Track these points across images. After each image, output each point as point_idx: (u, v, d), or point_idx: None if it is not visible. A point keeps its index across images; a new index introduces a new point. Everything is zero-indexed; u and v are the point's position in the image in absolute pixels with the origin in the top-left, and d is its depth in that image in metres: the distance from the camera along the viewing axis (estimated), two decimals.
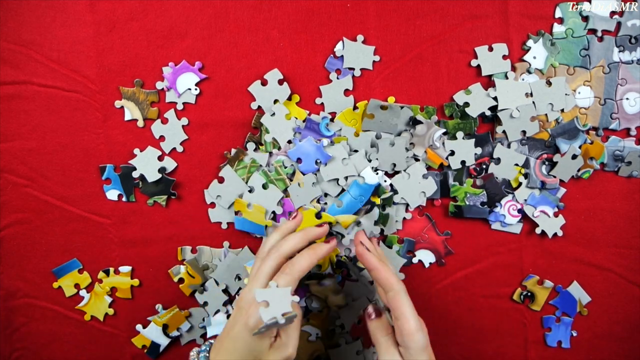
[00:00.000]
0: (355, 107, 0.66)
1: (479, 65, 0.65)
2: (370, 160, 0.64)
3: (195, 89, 0.66)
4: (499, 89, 0.64)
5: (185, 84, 0.66)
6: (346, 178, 0.65)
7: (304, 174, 0.65)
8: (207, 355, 0.53)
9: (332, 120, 0.66)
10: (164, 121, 0.66)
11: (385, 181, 0.65)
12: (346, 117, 0.66)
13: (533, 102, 0.65)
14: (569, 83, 0.65)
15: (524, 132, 0.65)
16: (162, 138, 0.66)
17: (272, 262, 0.54)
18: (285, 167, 0.65)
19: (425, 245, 0.67)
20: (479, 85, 0.65)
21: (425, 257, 0.67)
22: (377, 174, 0.64)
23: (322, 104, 0.66)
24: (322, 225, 0.59)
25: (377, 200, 0.64)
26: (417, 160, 0.65)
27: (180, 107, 0.66)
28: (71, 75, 0.66)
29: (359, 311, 0.67)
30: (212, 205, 0.67)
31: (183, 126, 0.66)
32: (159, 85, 0.66)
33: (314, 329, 0.66)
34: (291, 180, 0.65)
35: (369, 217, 0.65)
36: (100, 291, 0.68)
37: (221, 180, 0.66)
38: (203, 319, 0.67)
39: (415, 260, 0.67)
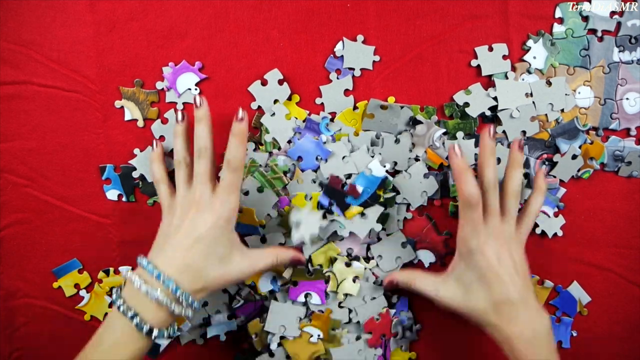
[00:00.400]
0: (355, 107, 0.66)
1: (479, 65, 0.65)
2: (373, 156, 0.64)
3: (195, 89, 0.66)
4: (499, 89, 0.64)
5: (185, 84, 0.66)
6: (348, 176, 0.65)
7: (303, 172, 0.65)
8: (153, 264, 0.53)
9: (332, 120, 0.66)
10: (164, 121, 0.66)
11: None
12: (346, 117, 0.66)
13: (533, 102, 0.65)
14: (569, 83, 0.65)
15: (524, 132, 0.65)
16: (162, 138, 0.66)
17: (205, 161, 0.56)
18: (280, 166, 0.65)
19: (425, 245, 0.67)
20: (479, 85, 0.65)
21: (425, 257, 0.67)
22: (384, 167, 0.64)
23: (322, 103, 0.66)
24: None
25: (382, 194, 0.64)
26: (417, 160, 0.65)
27: (180, 106, 0.66)
28: (71, 75, 0.66)
29: (375, 309, 0.66)
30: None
31: None
32: (159, 85, 0.66)
33: (315, 329, 0.66)
34: (291, 179, 0.65)
35: (374, 210, 0.64)
36: (100, 291, 0.68)
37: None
38: (203, 319, 0.67)
39: (415, 260, 0.67)
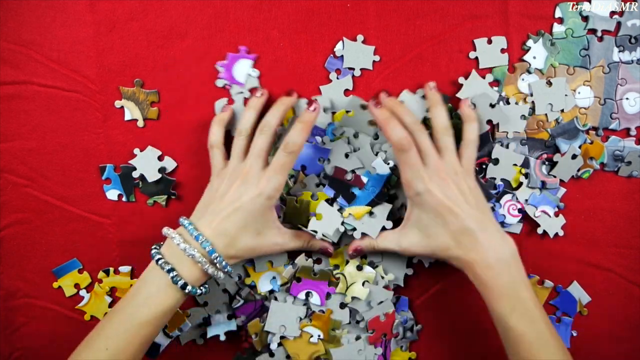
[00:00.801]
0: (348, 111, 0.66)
1: (477, 58, 0.65)
2: (377, 154, 0.64)
3: (254, 71, 0.66)
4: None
5: (242, 71, 0.66)
6: (352, 171, 0.64)
7: (307, 176, 0.65)
8: (194, 225, 0.57)
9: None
10: (230, 102, 0.66)
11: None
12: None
13: (533, 102, 0.65)
14: (568, 83, 0.65)
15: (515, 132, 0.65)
16: (230, 101, 0.66)
17: (265, 137, 0.59)
18: None
19: None
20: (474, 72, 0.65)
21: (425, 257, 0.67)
22: (388, 164, 0.64)
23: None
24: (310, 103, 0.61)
25: (387, 191, 0.64)
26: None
27: (247, 95, 0.66)
28: (71, 75, 0.66)
29: (382, 311, 0.66)
30: None
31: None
32: (219, 83, 0.66)
33: (316, 330, 0.66)
34: (294, 184, 0.65)
35: (382, 208, 0.64)
36: (100, 291, 0.68)
37: None
38: (203, 319, 0.67)
39: (415, 260, 0.67)
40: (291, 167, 0.59)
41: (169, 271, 0.54)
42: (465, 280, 0.68)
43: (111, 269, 0.68)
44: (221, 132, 0.63)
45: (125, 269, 0.68)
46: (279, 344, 0.66)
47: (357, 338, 0.67)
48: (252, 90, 0.65)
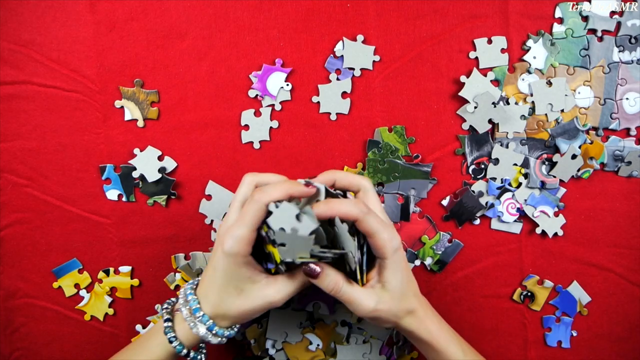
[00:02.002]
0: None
1: (477, 58, 0.65)
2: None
3: (287, 84, 0.66)
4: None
5: (276, 84, 0.66)
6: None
7: None
8: (194, 287, 0.54)
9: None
10: (257, 115, 0.66)
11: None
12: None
13: (533, 102, 0.65)
14: (569, 83, 0.65)
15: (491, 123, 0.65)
16: (246, 127, 0.66)
17: (257, 205, 0.50)
18: None
19: None
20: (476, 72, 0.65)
21: (428, 260, 0.68)
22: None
23: (318, 102, 0.66)
24: (309, 185, 0.53)
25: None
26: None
27: (278, 107, 0.66)
28: (71, 75, 0.66)
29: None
30: (209, 197, 0.67)
31: (271, 128, 0.67)
32: (252, 93, 0.66)
33: (316, 338, 0.66)
34: None
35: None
36: (100, 291, 0.68)
37: (208, 198, 0.67)
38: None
39: (417, 262, 0.67)
40: (256, 217, 0.50)
41: (172, 342, 0.53)
42: (465, 282, 0.68)
43: (111, 269, 0.68)
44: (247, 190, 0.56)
45: (125, 269, 0.68)
46: (280, 349, 0.66)
47: (365, 341, 0.66)
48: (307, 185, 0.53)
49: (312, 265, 0.52)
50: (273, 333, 0.65)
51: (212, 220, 0.67)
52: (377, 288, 0.52)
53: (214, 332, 0.53)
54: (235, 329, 0.55)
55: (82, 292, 0.69)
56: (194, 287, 0.55)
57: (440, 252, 0.67)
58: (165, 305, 0.55)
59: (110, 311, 0.69)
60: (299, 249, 0.50)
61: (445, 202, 0.67)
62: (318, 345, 0.66)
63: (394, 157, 0.66)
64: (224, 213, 0.66)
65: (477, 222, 0.67)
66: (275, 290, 0.53)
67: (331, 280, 0.52)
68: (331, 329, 0.66)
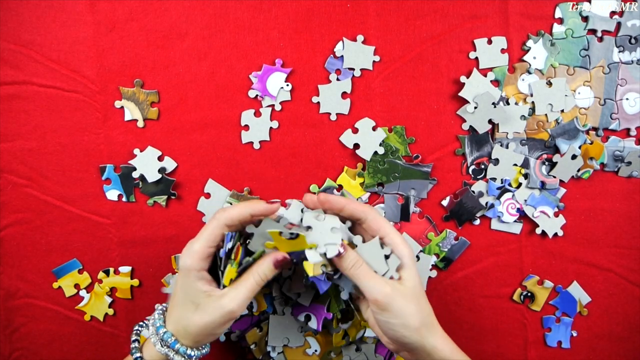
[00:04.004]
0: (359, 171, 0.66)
1: (477, 58, 0.65)
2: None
3: (287, 85, 0.66)
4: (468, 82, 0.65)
5: (276, 84, 0.66)
6: None
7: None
8: (165, 308, 0.55)
9: (338, 190, 0.66)
10: (257, 115, 0.66)
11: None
12: (349, 177, 0.66)
13: (533, 102, 0.65)
14: (568, 83, 0.65)
15: (492, 122, 0.65)
16: (246, 127, 0.66)
17: (213, 225, 0.53)
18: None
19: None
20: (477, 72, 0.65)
21: (432, 256, 0.67)
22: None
23: (319, 102, 0.66)
24: (273, 203, 0.55)
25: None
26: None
27: (278, 107, 0.66)
28: (71, 75, 0.66)
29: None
30: (207, 195, 0.67)
31: (271, 128, 0.67)
32: (252, 93, 0.66)
33: (316, 344, 0.66)
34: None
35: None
36: (100, 291, 0.68)
37: (207, 196, 0.67)
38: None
39: (421, 255, 0.67)
40: (213, 234, 0.52)
41: None
42: (465, 282, 0.68)
43: (111, 269, 0.68)
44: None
45: (125, 269, 0.68)
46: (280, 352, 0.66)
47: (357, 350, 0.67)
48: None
49: (339, 247, 0.52)
50: (275, 340, 0.65)
51: None
52: (394, 281, 0.52)
53: (176, 349, 0.52)
54: (203, 350, 0.54)
55: (82, 292, 0.69)
56: (165, 308, 0.55)
57: (446, 250, 0.67)
58: (136, 327, 0.56)
59: (110, 311, 0.69)
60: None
61: (445, 202, 0.67)
62: (316, 351, 0.66)
63: (394, 158, 0.66)
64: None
65: (477, 222, 0.67)
66: (230, 298, 0.51)
67: (352, 258, 0.52)
68: (332, 340, 0.66)
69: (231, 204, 0.66)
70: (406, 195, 0.67)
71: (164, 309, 0.55)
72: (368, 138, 0.66)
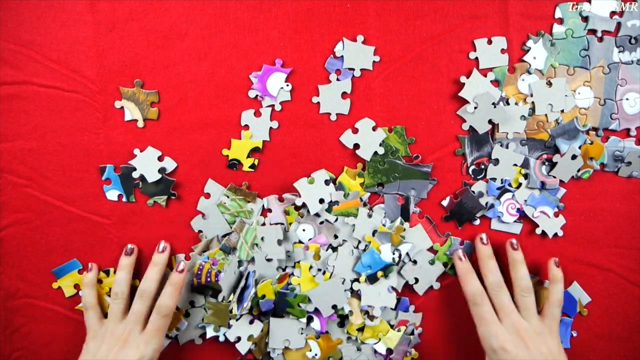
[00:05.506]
0: (363, 168, 0.66)
1: (477, 58, 0.65)
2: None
3: (287, 85, 0.66)
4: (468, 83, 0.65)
5: (276, 84, 0.66)
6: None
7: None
8: None
9: (334, 182, 0.66)
10: (257, 115, 0.66)
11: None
12: (349, 177, 0.66)
13: (533, 102, 0.65)
14: (568, 83, 0.65)
15: (492, 123, 0.65)
16: (246, 127, 0.66)
17: (144, 303, 0.62)
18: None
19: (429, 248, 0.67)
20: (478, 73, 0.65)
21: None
22: (394, 255, 0.64)
23: (319, 103, 0.66)
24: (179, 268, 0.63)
25: (380, 274, 0.65)
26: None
27: (278, 107, 0.66)
28: (71, 75, 0.66)
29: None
30: (207, 195, 0.67)
31: (271, 128, 0.67)
32: (252, 93, 0.66)
33: (317, 347, 0.66)
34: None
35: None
36: (100, 291, 0.68)
37: (207, 196, 0.67)
38: (202, 319, 0.67)
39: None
40: (166, 328, 0.62)
41: None
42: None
43: (111, 269, 0.68)
44: (94, 293, 0.65)
45: None
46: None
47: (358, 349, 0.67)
48: (129, 251, 0.66)
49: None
50: (276, 342, 0.65)
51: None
52: None
53: None
54: None
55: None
56: None
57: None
58: None
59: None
60: None
61: (445, 203, 0.67)
62: (316, 354, 0.66)
63: (394, 158, 0.66)
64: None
65: (477, 222, 0.67)
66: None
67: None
68: (334, 345, 0.66)
69: (228, 197, 0.66)
70: (406, 195, 0.67)
71: None
72: (368, 138, 0.66)
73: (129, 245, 0.66)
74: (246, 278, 0.64)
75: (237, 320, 0.65)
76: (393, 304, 0.65)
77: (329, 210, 0.66)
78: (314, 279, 0.64)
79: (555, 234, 0.67)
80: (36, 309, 0.69)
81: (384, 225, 0.64)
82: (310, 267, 0.65)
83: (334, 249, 0.66)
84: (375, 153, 0.66)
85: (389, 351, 0.67)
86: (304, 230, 0.66)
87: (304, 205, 0.65)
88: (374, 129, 0.66)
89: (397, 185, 0.67)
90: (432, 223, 0.67)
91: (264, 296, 0.63)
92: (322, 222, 0.66)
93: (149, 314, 0.62)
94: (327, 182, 0.65)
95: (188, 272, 0.63)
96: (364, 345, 0.67)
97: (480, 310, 0.60)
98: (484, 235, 0.64)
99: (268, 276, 0.65)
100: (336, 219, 0.65)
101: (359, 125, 0.66)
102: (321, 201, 0.65)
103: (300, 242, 0.66)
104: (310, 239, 0.66)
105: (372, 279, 0.64)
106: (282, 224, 0.66)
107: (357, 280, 0.65)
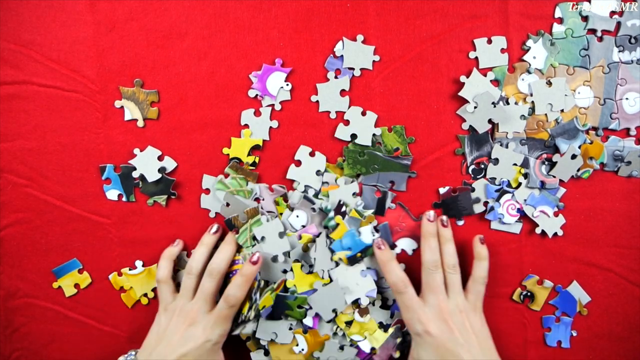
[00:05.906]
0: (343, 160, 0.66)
1: (477, 58, 0.65)
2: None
3: (287, 84, 0.66)
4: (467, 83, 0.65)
5: (276, 84, 0.66)
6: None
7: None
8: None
9: (326, 171, 0.66)
10: (257, 114, 0.66)
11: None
12: (332, 172, 0.67)
13: (533, 102, 0.65)
14: (568, 83, 0.65)
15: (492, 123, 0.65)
16: (246, 126, 0.66)
17: (213, 281, 0.62)
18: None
19: (404, 234, 0.67)
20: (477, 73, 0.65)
21: (407, 245, 0.67)
22: (373, 235, 0.64)
23: (317, 101, 0.66)
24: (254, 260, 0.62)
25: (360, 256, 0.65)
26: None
27: (278, 107, 0.66)
28: (71, 75, 0.66)
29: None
30: (207, 191, 0.67)
31: (271, 128, 0.67)
32: (252, 93, 0.66)
33: (304, 342, 0.66)
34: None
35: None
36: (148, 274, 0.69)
37: (207, 192, 0.67)
38: None
39: (398, 250, 0.67)
40: (232, 317, 0.62)
41: None
42: (463, 282, 0.68)
43: (127, 269, 0.68)
44: (169, 267, 0.65)
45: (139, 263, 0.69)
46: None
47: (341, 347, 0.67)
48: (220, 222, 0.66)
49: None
50: (263, 333, 0.65)
51: (216, 213, 0.67)
52: None
53: None
54: None
55: (138, 263, 0.68)
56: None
57: None
58: None
59: (151, 294, 0.69)
60: None
61: (443, 191, 0.67)
62: (302, 349, 0.66)
63: (373, 149, 0.66)
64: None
65: (462, 222, 0.67)
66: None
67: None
68: (321, 340, 0.66)
69: (229, 175, 0.66)
70: (384, 190, 0.67)
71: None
72: (362, 124, 0.66)
73: (215, 225, 0.66)
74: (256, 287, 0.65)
75: (240, 330, 0.65)
76: (372, 287, 0.64)
77: (317, 195, 0.66)
78: (308, 276, 0.64)
79: (555, 234, 0.67)
80: (36, 308, 0.69)
81: (356, 210, 0.64)
82: (302, 266, 0.65)
83: (313, 241, 0.65)
84: (354, 143, 0.66)
85: (372, 350, 0.67)
86: (297, 216, 0.66)
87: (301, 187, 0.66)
88: (362, 113, 0.66)
89: (377, 177, 0.66)
90: (405, 208, 0.67)
91: (264, 306, 0.63)
92: (314, 210, 0.66)
93: (217, 292, 0.62)
94: (311, 154, 0.66)
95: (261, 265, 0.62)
96: (348, 348, 0.66)
97: (404, 297, 0.60)
98: (431, 213, 0.64)
99: (272, 280, 0.65)
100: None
101: (349, 116, 0.66)
102: (318, 172, 0.66)
103: (293, 229, 0.66)
104: (303, 226, 0.66)
105: (352, 260, 0.64)
106: (272, 212, 0.66)
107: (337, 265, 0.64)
